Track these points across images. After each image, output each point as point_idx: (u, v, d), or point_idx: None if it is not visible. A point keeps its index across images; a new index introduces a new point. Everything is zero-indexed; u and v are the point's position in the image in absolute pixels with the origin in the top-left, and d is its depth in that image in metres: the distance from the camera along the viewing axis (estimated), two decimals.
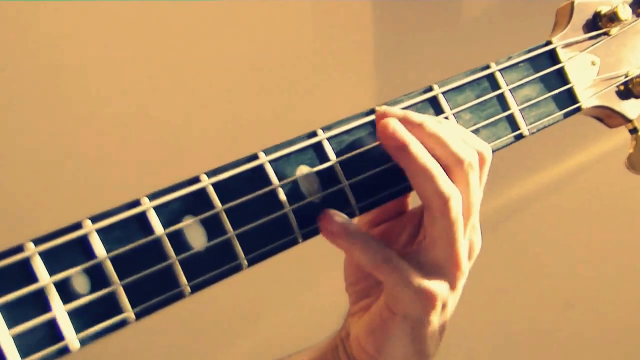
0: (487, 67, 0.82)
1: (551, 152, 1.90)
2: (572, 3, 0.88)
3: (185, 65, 1.91)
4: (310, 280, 1.84)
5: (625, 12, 0.87)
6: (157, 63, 1.88)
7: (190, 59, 1.91)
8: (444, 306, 0.75)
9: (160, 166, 1.78)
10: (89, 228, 0.62)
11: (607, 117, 0.89)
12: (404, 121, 0.73)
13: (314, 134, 0.72)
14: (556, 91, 0.85)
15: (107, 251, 0.62)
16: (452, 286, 0.74)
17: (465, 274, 0.75)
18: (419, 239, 0.77)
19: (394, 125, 0.72)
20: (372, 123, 0.75)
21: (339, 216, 0.72)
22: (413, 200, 0.80)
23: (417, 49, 1.93)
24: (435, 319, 0.75)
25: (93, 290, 0.62)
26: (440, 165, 0.72)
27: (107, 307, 0.62)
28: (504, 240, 1.88)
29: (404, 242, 0.80)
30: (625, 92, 0.89)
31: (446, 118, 0.78)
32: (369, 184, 0.74)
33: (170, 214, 0.65)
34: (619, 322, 2.03)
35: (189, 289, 0.65)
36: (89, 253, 0.62)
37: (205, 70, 1.91)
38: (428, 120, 0.74)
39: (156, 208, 0.65)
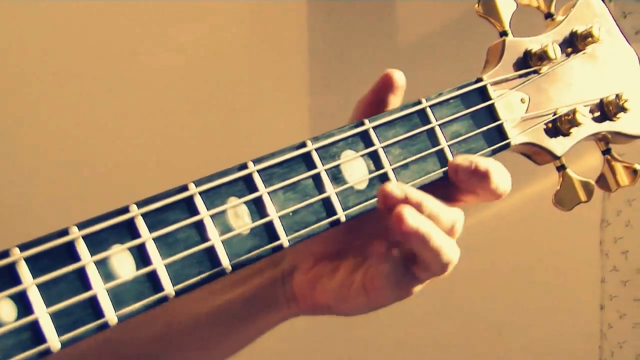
0: (419, 102, 0.83)
1: None
2: (504, 41, 0.89)
3: (113, 91, 1.91)
4: None
5: (555, 51, 0.89)
6: (80, 79, 1.88)
7: (118, 84, 1.91)
8: None
9: (92, 193, 1.77)
10: (17, 256, 0.63)
11: (535, 154, 0.91)
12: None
13: (244, 166, 0.73)
14: (485, 128, 0.86)
15: (34, 278, 0.63)
16: None
17: None
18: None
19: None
20: (302, 156, 0.76)
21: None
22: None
23: (351, 81, 1.94)
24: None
25: (19, 317, 0.62)
26: None
27: (32, 335, 0.62)
28: None
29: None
30: (554, 129, 0.90)
31: (375, 151, 0.80)
32: (299, 217, 0.75)
33: (98, 243, 0.66)
34: (547, 350, 2.07)
35: (115, 318, 0.65)
36: (16, 280, 0.62)
37: (135, 98, 1.91)
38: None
39: (85, 237, 0.65)
